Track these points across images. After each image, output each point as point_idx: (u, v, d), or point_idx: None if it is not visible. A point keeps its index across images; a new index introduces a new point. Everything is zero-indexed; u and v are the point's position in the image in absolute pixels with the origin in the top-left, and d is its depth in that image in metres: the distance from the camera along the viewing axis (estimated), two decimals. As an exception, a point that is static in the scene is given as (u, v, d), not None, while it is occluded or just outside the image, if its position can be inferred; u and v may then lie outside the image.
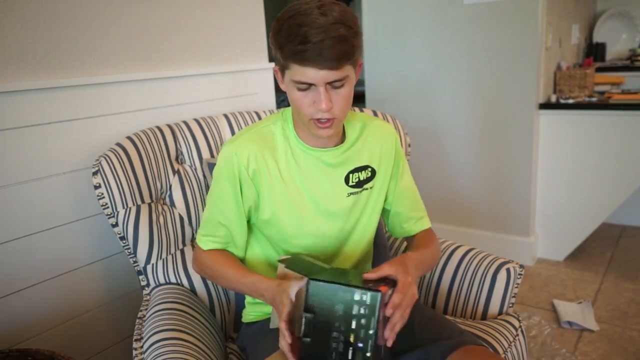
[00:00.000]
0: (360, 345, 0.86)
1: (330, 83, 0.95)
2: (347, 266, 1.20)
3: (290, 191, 1.10)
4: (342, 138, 1.14)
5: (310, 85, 0.95)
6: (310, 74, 0.93)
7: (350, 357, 0.87)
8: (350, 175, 1.13)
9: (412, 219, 1.25)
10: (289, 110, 1.13)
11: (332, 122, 1.00)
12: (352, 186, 1.14)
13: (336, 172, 1.12)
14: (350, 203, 1.14)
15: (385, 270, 0.95)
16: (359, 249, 1.21)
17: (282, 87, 1.03)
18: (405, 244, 1.54)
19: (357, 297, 0.86)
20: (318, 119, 0.99)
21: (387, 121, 1.62)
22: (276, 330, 1.10)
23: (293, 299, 0.93)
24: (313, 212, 1.12)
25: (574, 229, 2.68)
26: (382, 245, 1.50)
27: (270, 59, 1.94)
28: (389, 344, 0.91)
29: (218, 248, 1.14)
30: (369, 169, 1.16)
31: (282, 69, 0.98)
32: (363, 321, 0.86)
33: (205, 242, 1.14)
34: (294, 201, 1.10)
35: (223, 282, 1.16)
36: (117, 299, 1.50)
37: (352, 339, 0.87)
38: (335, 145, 1.12)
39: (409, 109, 2.87)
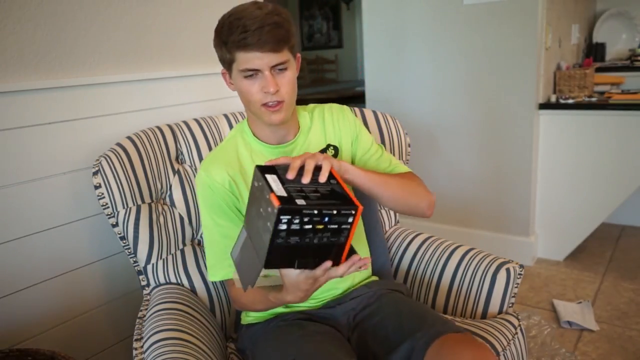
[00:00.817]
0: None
1: (274, 67, 1.02)
2: None
3: None
4: (297, 130, 1.19)
5: (256, 71, 1.02)
6: (255, 59, 1.00)
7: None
8: None
9: (386, 170, 1.24)
10: (243, 122, 1.19)
11: (281, 105, 1.06)
12: None
13: None
14: None
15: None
16: None
17: (231, 87, 1.10)
18: (405, 244, 1.55)
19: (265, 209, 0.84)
20: (267, 104, 1.05)
21: (387, 121, 1.63)
22: (277, 332, 1.11)
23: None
24: None
25: (573, 229, 2.68)
26: (379, 240, 1.50)
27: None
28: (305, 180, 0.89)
29: (218, 274, 1.15)
30: (332, 147, 1.21)
31: (229, 64, 1.05)
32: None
33: (216, 274, 1.15)
34: None
35: (254, 307, 1.16)
36: (117, 299, 1.50)
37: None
38: (294, 137, 1.17)
39: (408, 109, 2.87)
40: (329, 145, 1.21)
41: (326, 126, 1.23)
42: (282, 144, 1.16)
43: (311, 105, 1.27)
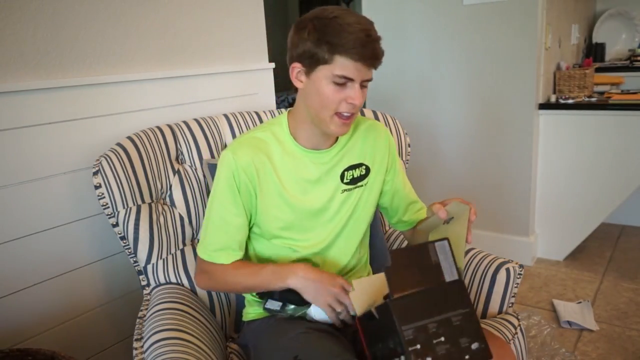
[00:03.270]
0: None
1: (363, 81, 1.03)
2: (341, 262, 1.22)
3: (286, 189, 1.13)
4: (335, 139, 1.19)
5: (348, 80, 1.01)
6: (355, 70, 1.00)
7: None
8: (345, 172, 1.19)
9: (414, 210, 1.30)
10: (284, 116, 1.17)
11: (352, 119, 1.08)
12: (346, 183, 1.18)
13: (332, 171, 1.17)
14: (342, 199, 1.19)
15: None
16: (352, 246, 1.23)
17: (300, 85, 1.07)
18: (405, 244, 1.55)
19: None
20: (342, 114, 1.05)
21: (387, 121, 1.63)
22: (279, 328, 1.11)
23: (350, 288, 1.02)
24: (307, 209, 1.16)
25: (573, 229, 2.68)
26: (381, 248, 1.50)
27: (271, 60, 1.94)
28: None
29: (223, 257, 1.14)
30: (363, 167, 1.21)
31: (317, 63, 1.02)
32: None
33: (209, 254, 1.15)
34: (289, 199, 1.14)
35: (236, 287, 1.17)
36: (117, 299, 1.50)
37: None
38: (330, 146, 1.17)
39: (408, 109, 2.87)
40: (360, 164, 1.20)
41: (365, 144, 1.22)
42: (317, 149, 1.15)
43: (361, 118, 1.27)
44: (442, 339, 0.85)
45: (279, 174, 1.13)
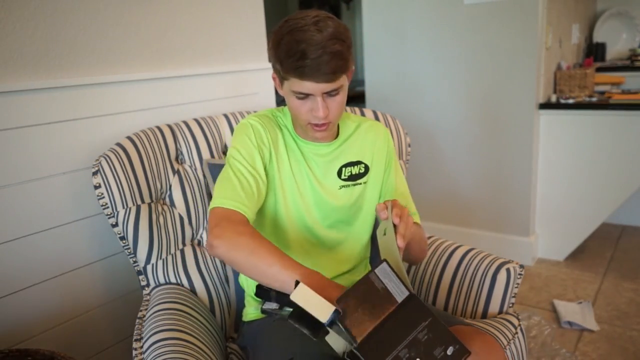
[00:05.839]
0: None
1: (326, 92, 1.02)
2: (342, 264, 1.22)
3: (295, 174, 1.15)
4: (336, 134, 1.20)
5: (308, 95, 1.02)
6: (309, 86, 1.00)
7: None
8: (343, 169, 1.19)
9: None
10: (286, 108, 1.18)
11: (327, 126, 1.08)
12: (344, 179, 1.19)
13: (330, 165, 1.18)
14: (343, 196, 1.19)
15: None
16: (355, 246, 1.23)
17: (281, 92, 1.10)
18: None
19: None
20: (315, 124, 1.07)
21: (387, 121, 1.63)
22: (276, 329, 1.11)
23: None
24: (311, 200, 1.16)
25: (574, 229, 2.68)
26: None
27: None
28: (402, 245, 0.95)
29: (235, 204, 1.03)
30: (362, 165, 1.21)
31: (281, 79, 1.05)
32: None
33: (220, 201, 1.04)
34: (298, 184, 1.15)
35: (240, 254, 0.97)
36: (117, 299, 1.50)
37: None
38: (329, 142, 1.18)
39: (408, 109, 2.87)
40: (359, 162, 1.21)
41: (365, 143, 1.23)
42: (315, 142, 1.17)
43: (359, 118, 1.28)
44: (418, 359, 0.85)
45: (290, 158, 1.15)
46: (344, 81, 1.04)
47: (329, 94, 1.03)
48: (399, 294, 0.91)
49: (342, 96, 1.06)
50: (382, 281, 0.91)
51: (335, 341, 0.91)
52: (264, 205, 1.15)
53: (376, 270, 0.91)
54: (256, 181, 1.09)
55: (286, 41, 0.98)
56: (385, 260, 0.93)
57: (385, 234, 1.02)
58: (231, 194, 1.04)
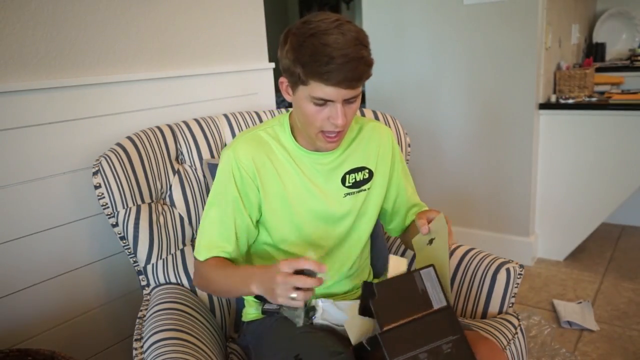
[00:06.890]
0: None
1: (346, 99, 0.99)
2: (345, 265, 1.21)
3: (289, 192, 1.12)
4: None
5: (327, 101, 0.99)
6: (331, 92, 0.96)
7: None
8: (347, 176, 1.16)
9: (414, 210, 1.28)
10: (285, 116, 1.15)
11: (340, 135, 1.05)
12: (348, 187, 1.16)
13: (333, 173, 1.15)
14: (348, 203, 1.16)
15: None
16: (356, 250, 1.22)
17: (289, 98, 1.05)
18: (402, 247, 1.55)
19: None
20: (326, 133, 1.03)
21: (387, 121, 1.63)
22: (279, 328, 1.11)
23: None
24: (311, 213, 1.14)
25: (573, 229, 2.68)
26: (381, 248, 1.50)
27: (270, 59, 1.94)
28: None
29: (217, 255, 1.11)
30: (366, 170, 1.19)
31: (297, 83, 1.00)
32: None
33: (196, 249, 1.13)
34: (292, 202, 1.12)
35: (216, 287, 1.11)
36: (117, 299, 1.50)
37: None
38: (332, 149, 1.14)
39: (409, 109, 2.87)
40: (363, 168, 1.18)
41: (369, 147, 1.20)
42: (318, 151, 1.13)
43: (360, 119, 1.24)
44: None
45: (281, 176, 1.11)
46: (361, 88, 1.02)
47: (348, 100, 1.00)
48: (437, 301, 0.91)
49: (358, 103, 1.04)
50: (425, 283, 0.91)
51: (353, 327, 0.92)
52: (267, 227, 1.14)
53: (422, 271, 0.91)
54: (233, 221, 1.10)
55: (310, 44, 0.94)
56: (432, 265, 0.93)
57: (430, 244, 1.01)
58: (207, 241, 1.11)
